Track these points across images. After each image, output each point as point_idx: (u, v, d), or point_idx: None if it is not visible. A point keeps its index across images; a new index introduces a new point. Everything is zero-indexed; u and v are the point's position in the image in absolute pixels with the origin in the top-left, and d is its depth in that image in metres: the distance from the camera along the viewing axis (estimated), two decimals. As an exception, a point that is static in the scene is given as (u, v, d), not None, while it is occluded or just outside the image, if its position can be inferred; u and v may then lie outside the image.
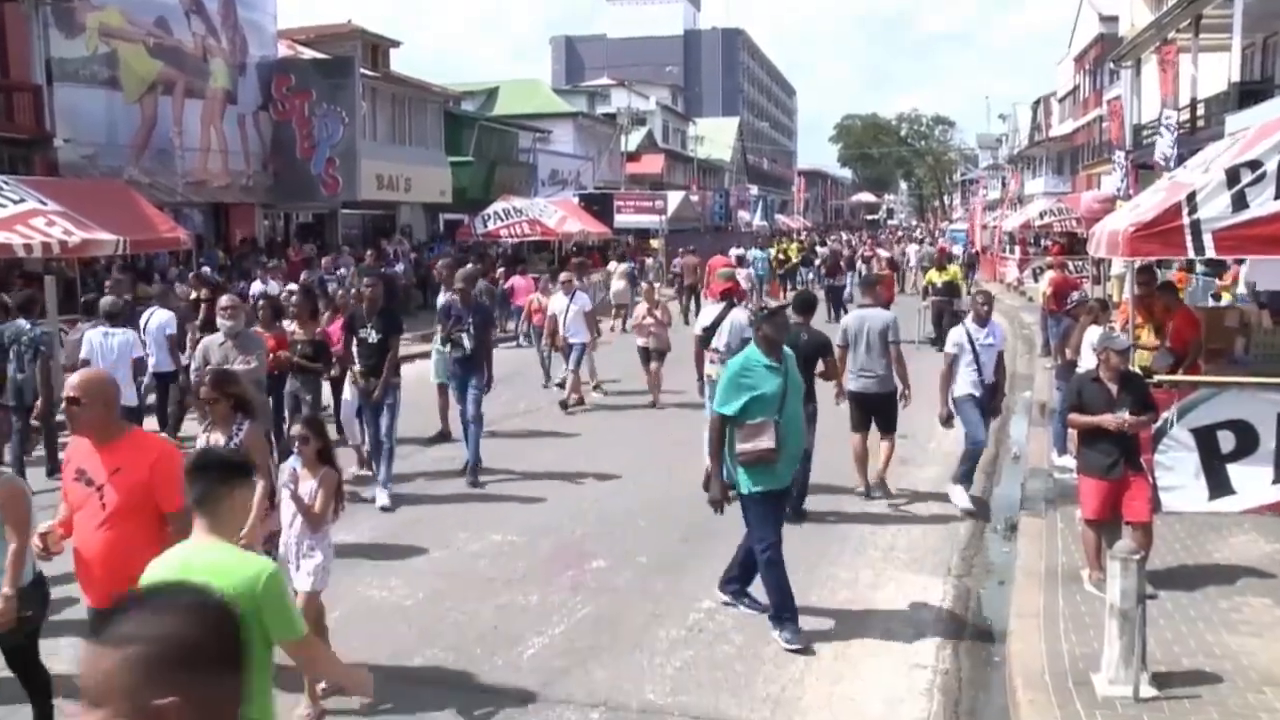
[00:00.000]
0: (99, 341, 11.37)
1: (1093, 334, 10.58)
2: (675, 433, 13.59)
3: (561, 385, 16.26)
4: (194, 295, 16.50)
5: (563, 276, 16.78)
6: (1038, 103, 76.69)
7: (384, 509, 10.30)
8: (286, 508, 6.39)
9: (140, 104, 24.16)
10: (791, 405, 7.16)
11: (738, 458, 7.01)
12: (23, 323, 11.54)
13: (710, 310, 11.40)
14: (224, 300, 9.82)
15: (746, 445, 6.95)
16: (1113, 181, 29.83)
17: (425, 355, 16.01)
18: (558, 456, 12.74)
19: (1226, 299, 15.45)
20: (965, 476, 10.52)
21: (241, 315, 9.62)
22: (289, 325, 11.55)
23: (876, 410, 10.68)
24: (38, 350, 11.21)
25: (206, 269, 21.33)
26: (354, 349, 10.73)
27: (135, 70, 23.92)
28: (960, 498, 10.39)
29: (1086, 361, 10.05)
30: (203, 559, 3.58)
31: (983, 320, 10.83)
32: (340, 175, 28.78)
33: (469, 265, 14.78)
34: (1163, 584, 7.55)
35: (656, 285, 18.37)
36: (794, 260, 36.88)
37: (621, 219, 41.16)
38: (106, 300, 12.29)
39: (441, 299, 13.63)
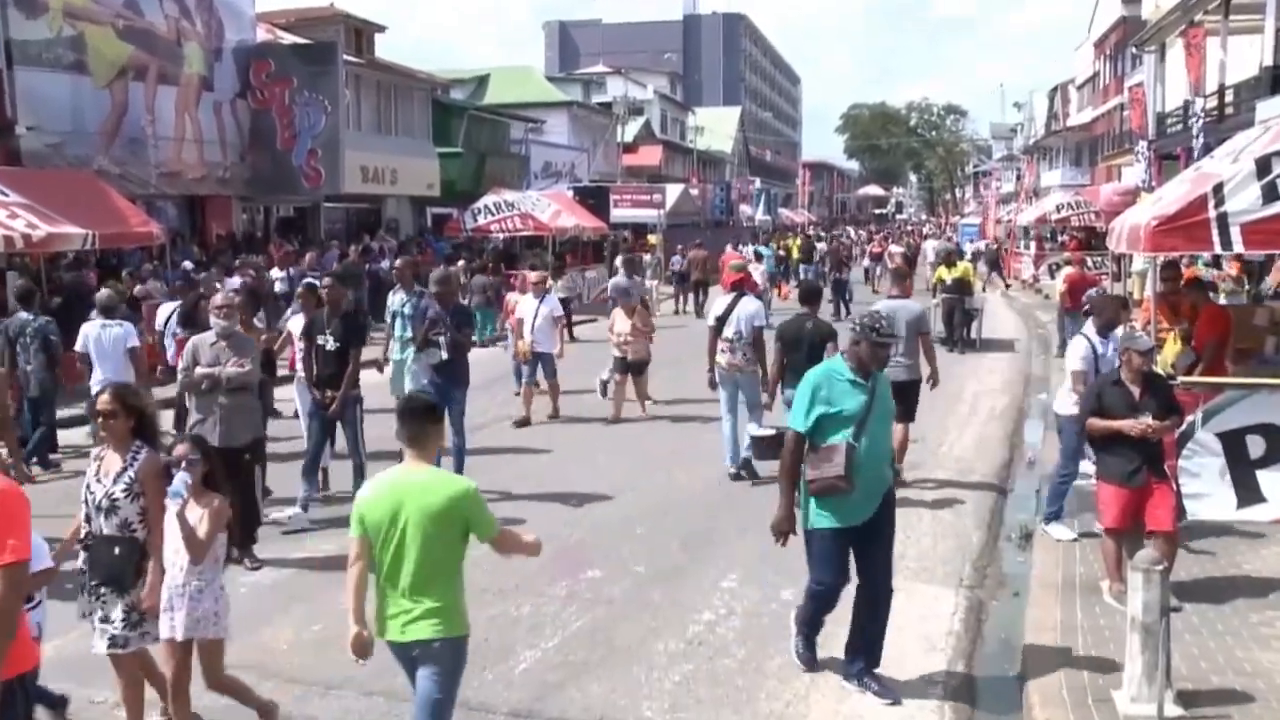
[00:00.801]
0: (95, 334, 12.07)
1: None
2: (673, 439, 13.61)
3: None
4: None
5: (533, 277, 15.93)
6: (1055, 90, 76.76)
7: (285, 530, 10.04)
8: (171, 534, 5.68)
9: (109, 90, 23.95)
10: (876, 431, 6.48)
11: (808, 485, 6.46)
12: (25, 314, 12.47)
13: (723, 300, 12.20)
14: (218, 298, 9.72)
15: (815, 471, 6.37)
16: (1134, 173, 29.78)
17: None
18: (551, 462, 12.72)
19: (1223, 296, 15.42)
20: (1058, 515, 9.54)
21: (236, 315, 9.49)
22: (180, 334, 11.46)
23: (899, 396, 10.51)
24: (46, 340, 12.25)
25: (189, 265, 21.32)
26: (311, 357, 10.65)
27: (103, 54, 23.71)
28: (1063, 532, 9.39)
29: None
30: (415, 479, 4.95)
31: (1109, 326, 9.61)
32: (323, 167, 28.75)
33: (442, 267, 14.63)
34: (1188, 596, 7.53)
35: (655, 284, 18.34)
36: (796, 257, 37.16)
37: (618, 213, 41.07)
38: (103, 294, 12.95)
39: (393, 300, 13.05)
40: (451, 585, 5.01)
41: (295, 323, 11.72)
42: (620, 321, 15.20)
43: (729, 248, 34.08)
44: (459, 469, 10.78)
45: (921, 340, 11.27)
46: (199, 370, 8.95)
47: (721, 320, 11.75)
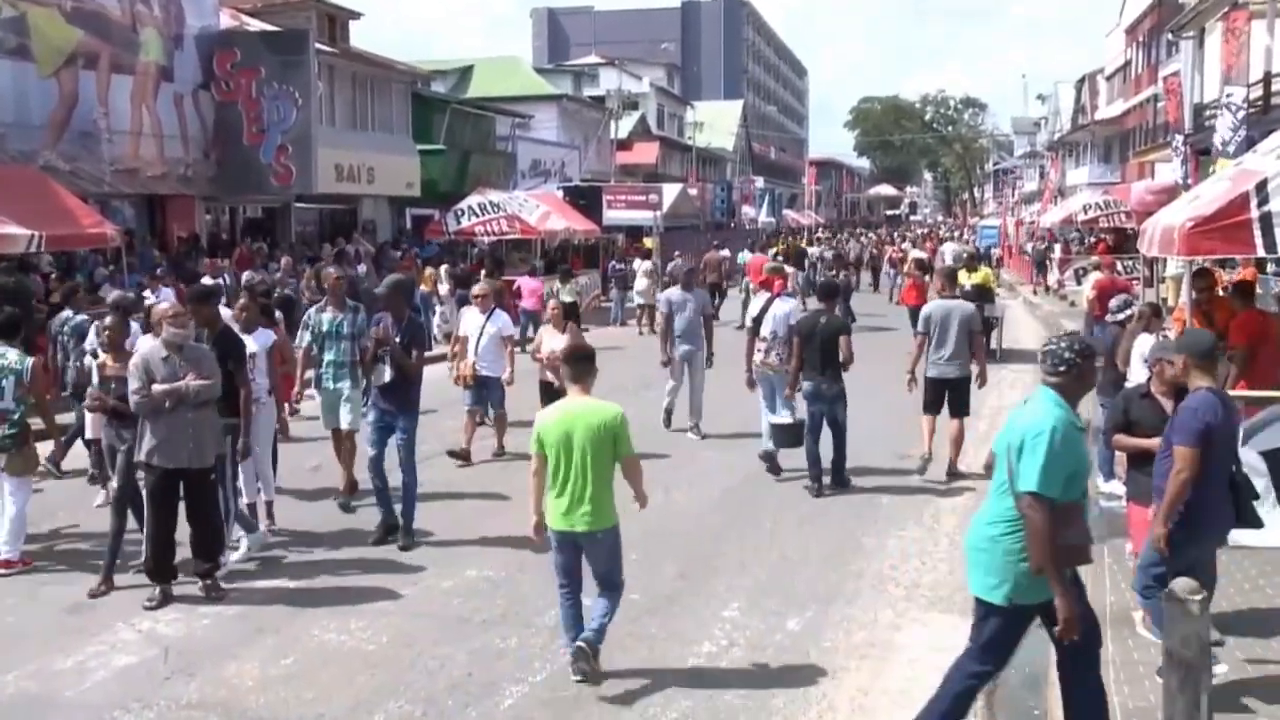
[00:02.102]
0: None
1: (1144, 343, 10.53)
2: (671, 456, 13.56)
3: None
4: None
5: (477, 289, 14.55)
6: (1082, 81, 77.02)
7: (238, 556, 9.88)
8: None
9: (57, 78, 23.62)
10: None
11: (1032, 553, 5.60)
12: (67, 312, 13.49)
13: (758, 301, 13.95)
14: (164, 306, 9.54)
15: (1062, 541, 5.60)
16: (1169, 170, 29.82)
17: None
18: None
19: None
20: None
21: (190, 324, 9.23)
22: (100, 357, 10.38)
23: (952, 392, 12.60)
24: (83, 336, 12.75)
25: (159, 269, 21.27)
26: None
27: (49, 38, 23.37)
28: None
29: (1137, 375, 10.03)
30: (582, 405, 7.17)
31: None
32: (293, 165, 28.63)
33: (396, 275, 13.76)
34: (1231, 629, 7.49)
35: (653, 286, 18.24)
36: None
37: (611, 215, 41.11)
38: (116, 293, 13.39)
39: (317, 319, 11.84)
40: (607, 488, 7.14)
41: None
42: (550, 339, 13.11)
43: (746, 252, 34.21)
44: (409, 514, 10.34)
45: (974, 339, 12.60)
46: (158, 388, 8.64)
47: (758, 320, 13.22)
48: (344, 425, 11.67)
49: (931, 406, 12.68)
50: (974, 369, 12.64)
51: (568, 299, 26.88)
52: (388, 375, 10.29)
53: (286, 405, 11.99)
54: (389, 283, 11.06)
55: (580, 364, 7.35)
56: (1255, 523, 6.81)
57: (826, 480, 12.10)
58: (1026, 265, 43.57)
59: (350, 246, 30.84)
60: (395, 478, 10.46)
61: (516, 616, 8.41)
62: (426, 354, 11.14)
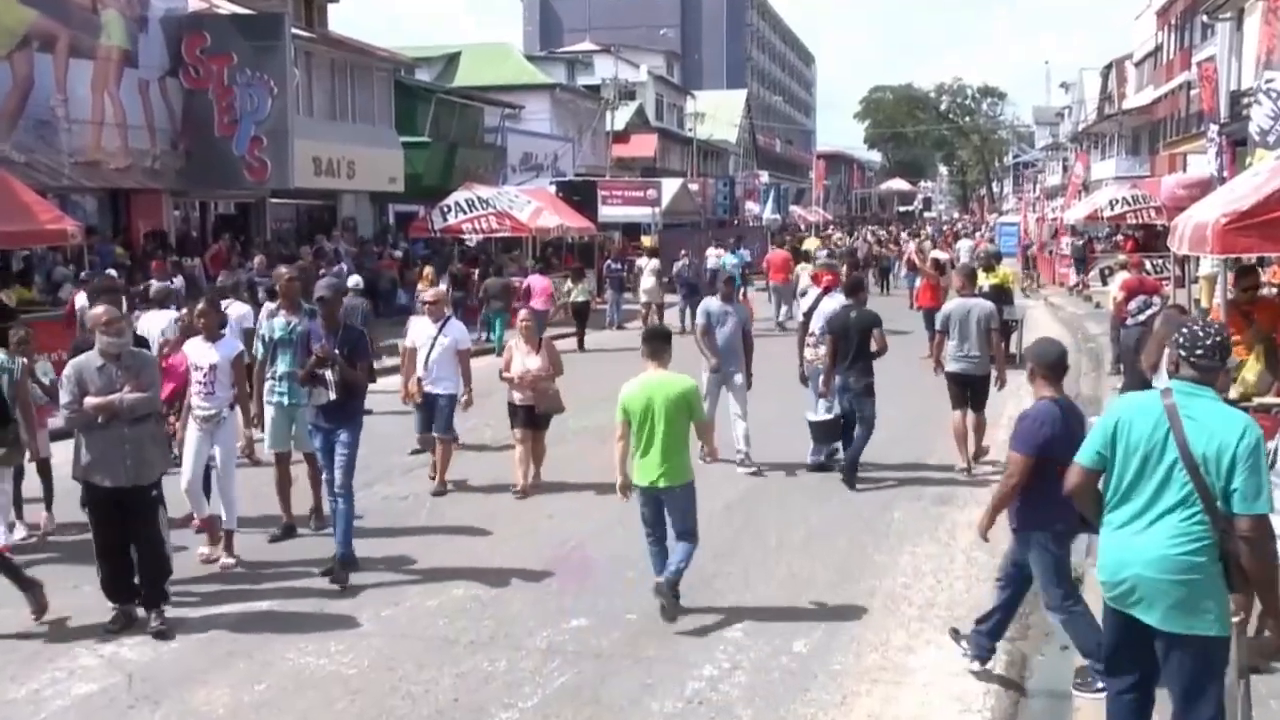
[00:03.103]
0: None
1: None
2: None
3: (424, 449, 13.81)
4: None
5: (429, 294, 13.89)
6: (1109, 67, 77.07)
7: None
8: None
9: (10, 62, 23.49)
10: None
11: None
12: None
13: (810, 297, 15.07)
14: (99, 310, 9.22)
15: None
16: (1202, 162, 29.75)
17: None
18: (532, 491, 12.67)
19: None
20: None
21: (129, 331, 9.16)
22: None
23: (974, 388, 13.45)
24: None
25: (113, 272, 21.21)
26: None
27: (0, 19, 23.28)
28: None
29: (1163, 380, 10.01)
30: (660, 378, 8.87)
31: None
32: (268, 158, 28.58)
33: (330, 278, 12.78)
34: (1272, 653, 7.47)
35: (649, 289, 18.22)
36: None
37: (607, 211, 41.19)
38: (157, 287, 14.88)
39: (269, 325, 11.51)
40: (684, 449, 8.82)
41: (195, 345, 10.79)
42: (521, 358, 12.74)
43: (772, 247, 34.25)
44: (342, 544, 9.90)
45: (993, 336, 13.40)
46: (90, 401, 8.45)
47: (808, 316, 14.29)
48: (299, 447, 11.24)
49: (959, 403, 13.49)
50: (993, 369, 13.44)
51: (580, 299, 27.04)
52: (330, 395, 9.84)
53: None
54: (326, 288, 10.27)
55: (656, 343, 9.14)
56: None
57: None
58: (1048, 263, 43.59)
59: (330, 244, 30.78)
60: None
61: (506, 638, 8.40)
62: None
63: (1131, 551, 5.48)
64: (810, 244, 41.89)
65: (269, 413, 11.23)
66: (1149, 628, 5.48)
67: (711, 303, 14.28)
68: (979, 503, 12.03)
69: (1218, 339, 5.54)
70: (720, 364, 13.78)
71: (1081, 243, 40.63)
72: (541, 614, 8.88)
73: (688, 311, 28.85)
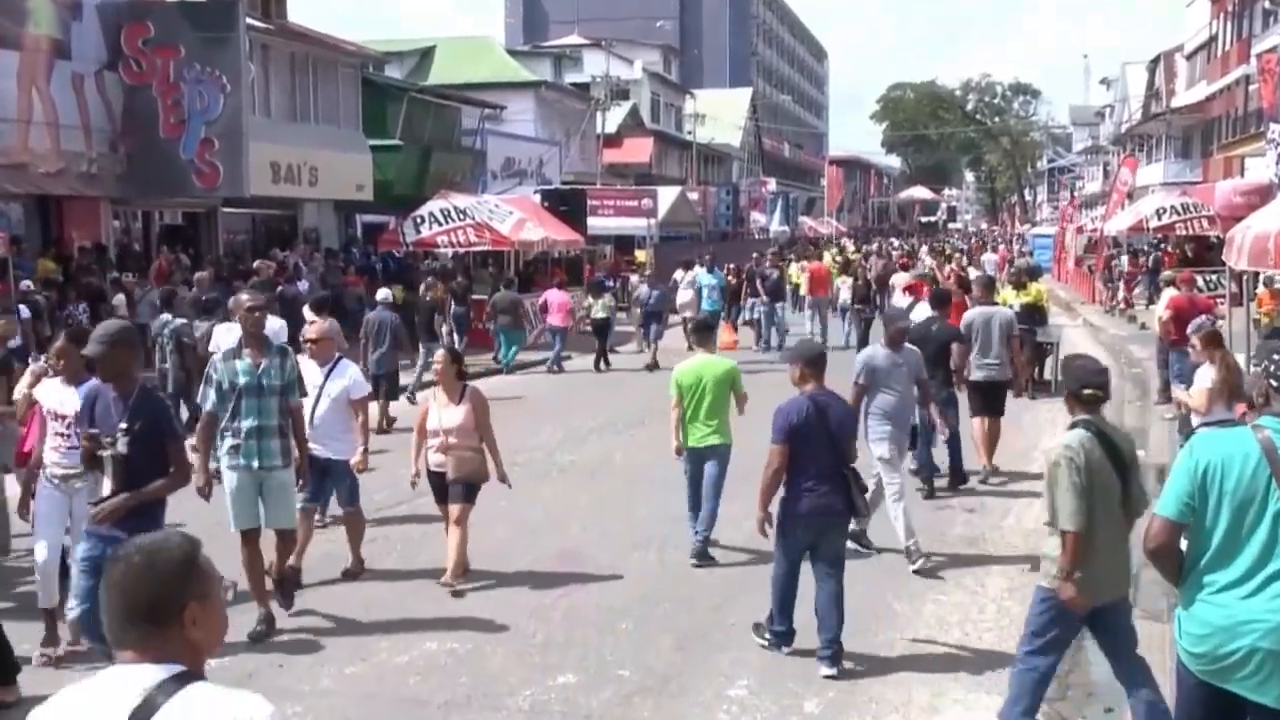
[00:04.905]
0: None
1: (1204, 375, 10.60)
2: (667, 506, 13.48)
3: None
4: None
5: (312, 331, 12.09)
6: (1156, 61, 77.33)
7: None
8: None
9: (-83, 52, 23.31)
10: None
11: None
12: (166, 316, 17.55)
13: (900, 305, 17.41)
14: None
15: None
16: (1261, 166, 29.76)
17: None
18: (513, 533, 12.67)
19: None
20: None
21: None
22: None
23: (994, 395, 15.28)
24: (179, 341, 16.81)
25: (27, 284, 21.12)
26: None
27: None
28: None
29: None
30: (709, 359, 12.13)
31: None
32: (220, 162, 28.46)
33: (114, 320, 10.65)
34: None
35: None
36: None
37: (597, 223, 41.21)
38: (206, 296, 17.89)
39: (220, 364, 9.98)
40: (726, 416, 11.67)
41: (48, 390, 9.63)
42: (437, 411, 11.05)
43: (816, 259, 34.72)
44: None
45: (1011, 343, 15.41)
46: None
47: None
48: (269, 524, 9.85)
49: (980, 410, 15.20)
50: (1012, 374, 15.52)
51: (601, 315, 27.22)
52: (106, 483, 8.31)
53: None
54: (104, 338, 8.30)
55: (703, 332, 12.69)
56: (861, 512, 9.47)
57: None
58: (1085, 279, 43.66)
59: (293, 258, 30.65)
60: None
61: (484, 698, 8.37)
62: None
63: (1243, 620, 5.22)
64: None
65: (229, 480, 9.71)
66: (1247, 704, 5.28)
67: (876, 353, 12.08)
68: (1011, 547, 12.08)
69: None
70: (892, 453, 11.74)
71: (1125, 257, 40.71)
72: (524, 670, 8.86)
73: (646, 342, 28.02)
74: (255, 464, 9.59)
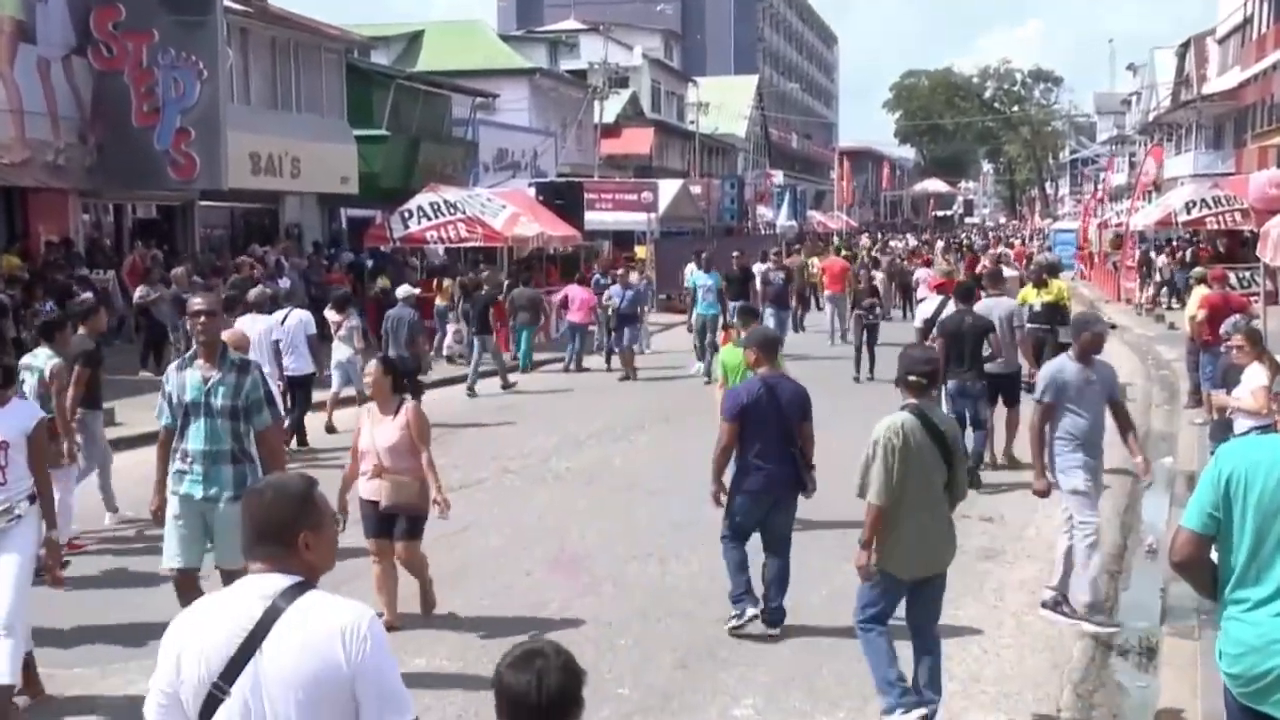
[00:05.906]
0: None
1: (1255, 375, 10.54)
2: (669, 512, 13.47)
3: None
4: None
5: (225, 335, 10.73)
6: (1186, 46, 77.18)
7: None
8: None
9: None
10: None
11: None
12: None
13: (930, 304, 18.05)
14: None
15: None
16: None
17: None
18: (506, 541, 12.65)
19: None
20: None
21: None
22: None
23: (1004, 386, 15.83)
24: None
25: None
26: None
27: None
28: None
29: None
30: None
31: None
32: (197, 153, 28.35)
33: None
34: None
35: (648, 308, 18.23)
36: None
37: (595, 217, 41.18)
38: (255, 290, 17.46)
39: (173, 374, 8.98)
40: None
41: None
42: (369, 429, 10.15)
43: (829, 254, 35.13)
44: None
45: (1018, 334, 16.04)
46: None
47: (930, 323, 16.70)
48: (217, 562, 8.76)
49: (991, 402, 15.75)
50: (1023, 365, 15.99)
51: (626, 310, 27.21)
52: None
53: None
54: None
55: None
56: (809, 489, 10.02)
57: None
58: (1109, 277, 43.64)
59: (274, 254, 30.61)
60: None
61: (475, 717, 8.33)
62: (423, 378, 10.72)
63: (1276, 638, 5.15)
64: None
65: (172, 507, 8.82)
66: None
67: (1064, 366, 10.35)
68: (1030, 557, 12.06)
69: None
70: (1089, 485, 10.25)
71: (1145, 249, 40.63)
72: (516, 689, 8.81)
73: (620, 349, 26.95)
74: (198, 493, 8.66)
